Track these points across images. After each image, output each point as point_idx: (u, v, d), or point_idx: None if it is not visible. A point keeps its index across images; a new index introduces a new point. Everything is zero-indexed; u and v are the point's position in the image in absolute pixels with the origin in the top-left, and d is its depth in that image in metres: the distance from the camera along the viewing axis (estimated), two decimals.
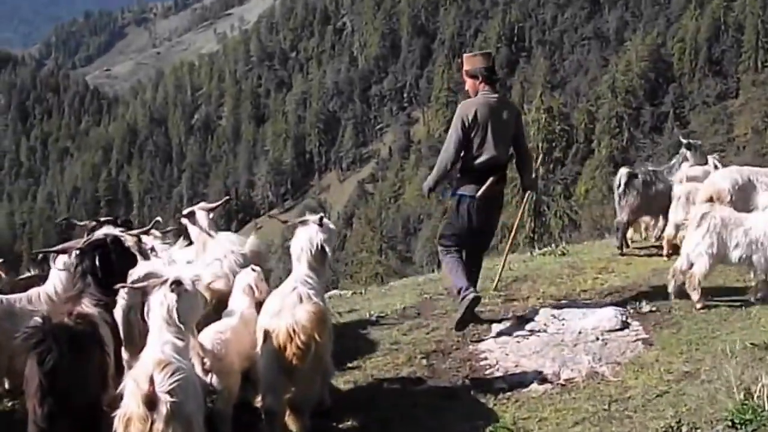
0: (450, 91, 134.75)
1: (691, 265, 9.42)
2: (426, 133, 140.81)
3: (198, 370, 6.39)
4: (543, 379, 7.85)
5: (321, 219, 7.44)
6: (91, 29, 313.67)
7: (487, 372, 8.20)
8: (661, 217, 12.88)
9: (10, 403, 7.68)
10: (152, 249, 8.44)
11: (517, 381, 7.88)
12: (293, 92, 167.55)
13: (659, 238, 12.77)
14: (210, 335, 6.75)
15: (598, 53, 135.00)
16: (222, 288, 7.74)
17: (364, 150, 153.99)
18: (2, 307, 7.26)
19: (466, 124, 9.04)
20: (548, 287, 10.80)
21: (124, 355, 6.89)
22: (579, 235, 46.31)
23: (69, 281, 7.06)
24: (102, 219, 8.62)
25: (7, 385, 7.65)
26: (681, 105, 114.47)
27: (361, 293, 12.25)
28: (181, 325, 5.86)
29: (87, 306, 6.54)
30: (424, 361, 8.43)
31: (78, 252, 6.87)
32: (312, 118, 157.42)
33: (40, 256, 8.61)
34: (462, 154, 9.18)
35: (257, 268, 7.52)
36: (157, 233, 9.39)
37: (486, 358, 8.48)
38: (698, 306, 9.23)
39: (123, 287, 6.60)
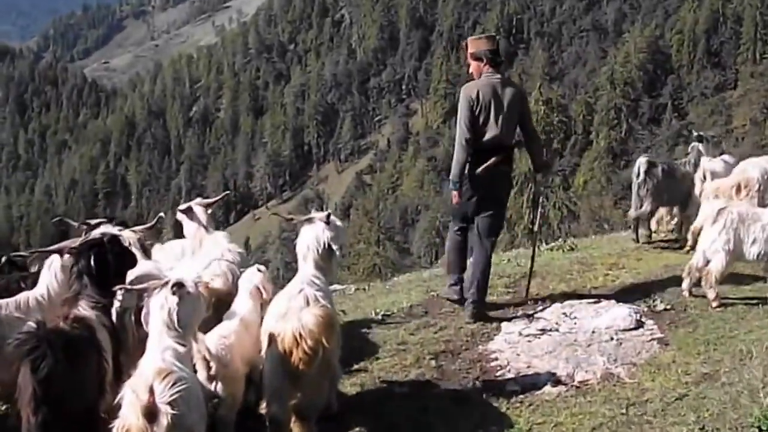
0: (448, 83, 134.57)
1: (707, 262, 9.15)
2: (424, 125, 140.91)
3: (202, 376, 6.12)
4: (557, 381, 7.56)
5: (328, 216, 7.13)
6: (89, 22, 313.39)
7: (498, 373, 7.92)
8: (675, 210, 12.68)
9: (4, 407, 7.38)
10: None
11: (529, 383, 7.60)
12: (292, 84, 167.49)
13: (672, 231, 12.58)
14: (214, 340, 6.47)
15: (597, 45, 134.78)
16: (221, 287, 7.46)
17: (363, 141, 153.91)
18: None
19: (471, 103, 9.09)
20: (558, 284, 10.53)
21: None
22: (578, 226, 46.30)
23: (64, 283, 6.75)
24: (93, 222, 8.22)
25: None
26: (679, 96, 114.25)
27: (364, 289, 11.94)
28: (183, 330, 5.56)
29: (84, 309, 6.25)
30: (433, 363, 8.14)
31: (74, 252, 6.57)
32: (310, 110, 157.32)
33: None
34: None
35: (263, 268, 7.24)
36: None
37: (496, 359, 8.21)
38: (714, 304, 8.98)
39: (122, 289, 6.33)
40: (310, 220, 7.15)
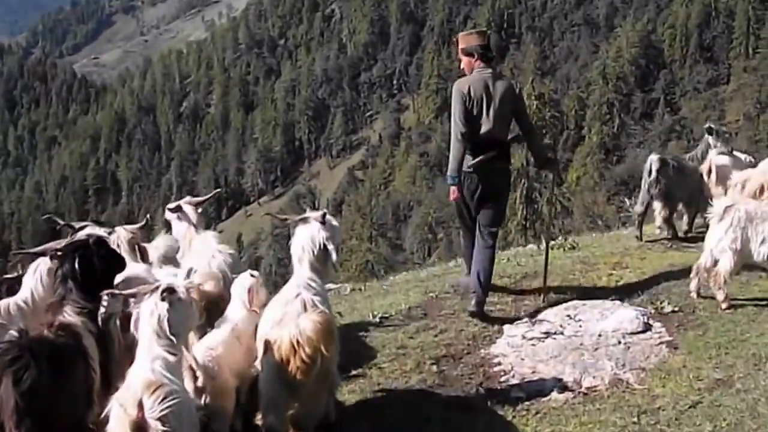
0: (440, 78, 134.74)
1: (716, 262, 8.84)
2: (416, 120, 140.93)
3: (189, 388, 5.79)
4: (563, 387, 7.25)
5: (324, 216, 6.82)
6: (78, 17, 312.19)
7: (503, 379, 7.61)
8: (682, 207, 12.52)
9: None
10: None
11: (535, 389, 7.29)
12: (282, 80, 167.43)
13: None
14: (201, 351, 6.15)
15: (589, 39, 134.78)
16: (212, 290, 7.14)
17: (354, 137, 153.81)
18: None
19: (463, 99, 9.03)
20: (560, 284, 10.22)
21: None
22: (572, 222, 46.07)
23: (50, 287, 6.41)
24: (78, 226, 7.86)
25: None
26: (672, 91, 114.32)
27: (360, 290, 11.60)
28: (174, 338, 5.24)
29: (69, 315, 5.90)
30: (434, 368, 7.82)
31: (57, 254, 6.24)
32: (301, 105, 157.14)
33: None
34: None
35: (256, 273, 6.92)
36: None
37: (500, 363, 7.90)
38: (723, 306, 8.69)
39: (110, 293, 6.00)
40: (304, 220, 6.84)
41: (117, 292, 6.01)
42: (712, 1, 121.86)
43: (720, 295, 8.72)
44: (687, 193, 12.30)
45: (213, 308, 6.91)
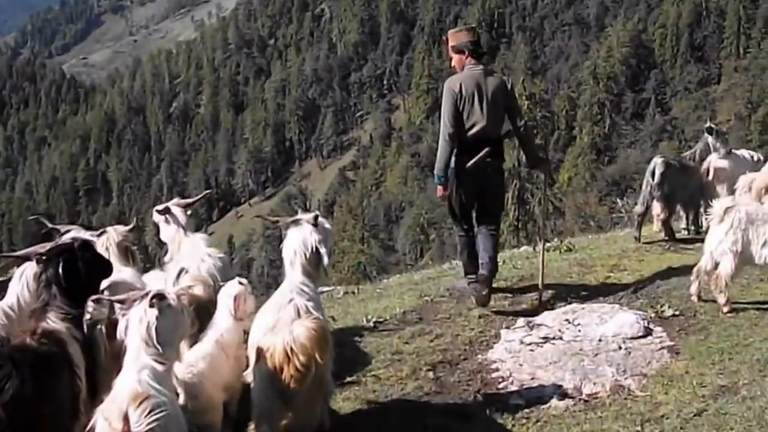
0: (430, 78, 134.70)
1: (716, 265, 8.64)
2: (407, 120, 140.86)
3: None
4: (563, 394, 7.05)
5: (316, 218, 6.61)
6: (67, 17, 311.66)
7: (501, 386, 7.40)
8: (680, 207, 12.42)
9: None
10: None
11: (534, 396, 7.10)
12: (272, 80, 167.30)
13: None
14: (181, 369, 5.88)
15: (579, 39, 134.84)
16: (201, 295, 6.91)
17: (345, 137, 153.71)
18: None
19: (454, 97, 9.04)
20: (557, 287, 9.98)
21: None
22: (563, 222, 45.99)
23: (35, 293, 6.17)
24: (63, 229, 7.62)
25: None
26: (663, 91, 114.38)
27: (354, 293, 11.36)
28: (163, 347, 5.00)
29: (53, 321, 5.63)
30: (431, 374, 7.61)
31: (42, 258, 6.00)
32: (291, 105, 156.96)
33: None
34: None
35: (244, 281, 6.69)
36: None
37: (498, 369, 7.70)
38: (725, 309, 8.49)
39: (97, 299, 5.77)
40: (296, 222, 6.63)
41: (103, 297, 5.80)
42: (702, 1, 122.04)
43: (721, 299, 8.53)
44: (688, 193, 12.20)
45: (203, 314, 6.69)
